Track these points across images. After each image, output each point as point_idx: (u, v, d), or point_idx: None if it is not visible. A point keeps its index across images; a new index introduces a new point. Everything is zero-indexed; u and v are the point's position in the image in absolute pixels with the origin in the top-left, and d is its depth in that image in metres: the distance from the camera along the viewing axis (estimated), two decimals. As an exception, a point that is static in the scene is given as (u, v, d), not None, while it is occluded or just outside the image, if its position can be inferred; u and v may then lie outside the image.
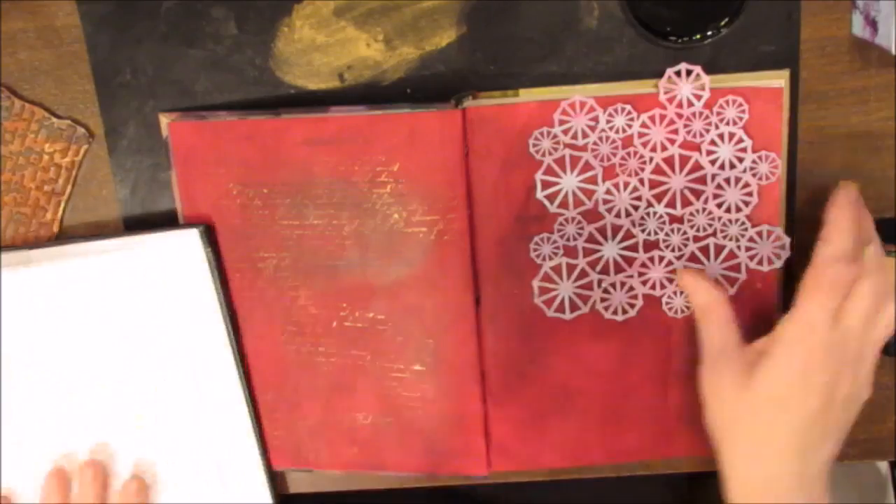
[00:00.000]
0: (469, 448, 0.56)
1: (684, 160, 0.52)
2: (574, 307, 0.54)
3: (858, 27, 0.52)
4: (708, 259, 0.54)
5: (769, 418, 0.48)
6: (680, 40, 0.51)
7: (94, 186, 0.57)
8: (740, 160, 0.52)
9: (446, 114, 0.51)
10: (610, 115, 0.52)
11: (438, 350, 0.54)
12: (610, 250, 0.53)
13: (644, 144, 0.52)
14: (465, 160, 0.52)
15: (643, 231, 0.53)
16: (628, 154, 0.52)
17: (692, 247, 0.53)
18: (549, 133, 0.52)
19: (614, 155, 0.52)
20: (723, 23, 0.50)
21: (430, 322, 0.54)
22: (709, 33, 0.50)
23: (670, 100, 0.52)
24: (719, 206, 0.53)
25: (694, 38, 0.50)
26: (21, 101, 0.55)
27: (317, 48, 0.54)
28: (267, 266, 0.54)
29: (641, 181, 0.52)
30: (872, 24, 0.50)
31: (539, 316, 0.55)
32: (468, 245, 0.53)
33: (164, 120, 0.54)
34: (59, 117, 0.56)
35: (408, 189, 0.52)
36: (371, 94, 0.54)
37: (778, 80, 0.52)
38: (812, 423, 0.48)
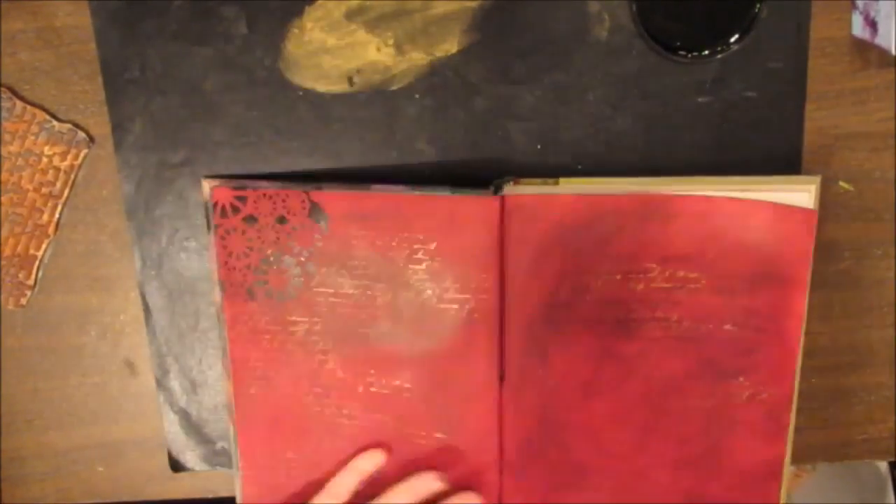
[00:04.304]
0: None
1: None
2: None
3: (858, 27, 0.52)
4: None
5: None
6: (689, 55, 0.51)
7: (95, 187, 0.57)
8: None
9: (485, 200, 0.52)
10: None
11: (461, 421, 0.55)
12: None
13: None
14: (500, 244, 0.53)
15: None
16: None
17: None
18: None
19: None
20: (733, 39, 0.50)
21: (454, 393, 0.55)
22: (718, 49, 0.50)
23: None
24: None
25: (703, 53, 0.51)
26: (22, 103, 0.55)
27: (326, 51, 0.54)
28: (298, 329, 0.55)
29: None
30: (872, 24, 0.51)
31: (561, 397, 0.56)
32: (497, 325, 0.54)
33: (207, 185, 0.54)
34: (60, 120, 0.55)
35: (443, 267, 0.53)
36: (380, 99, 0.54)
37: (808, 185, 0.52)
38: None
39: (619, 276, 0.54)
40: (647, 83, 0.54)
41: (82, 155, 0.56)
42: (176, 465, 0.61)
